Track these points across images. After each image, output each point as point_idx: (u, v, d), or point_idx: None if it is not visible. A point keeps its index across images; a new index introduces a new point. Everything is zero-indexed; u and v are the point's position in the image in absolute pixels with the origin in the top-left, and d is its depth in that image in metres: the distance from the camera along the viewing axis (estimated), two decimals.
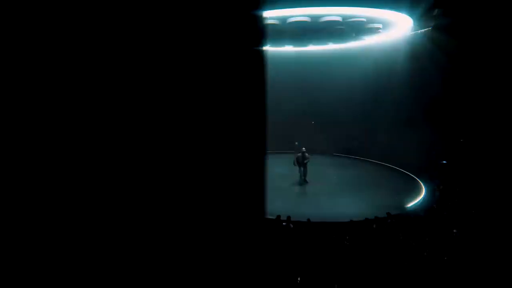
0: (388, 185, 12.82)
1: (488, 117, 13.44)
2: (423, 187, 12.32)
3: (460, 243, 6.88)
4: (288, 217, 8.05)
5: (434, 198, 11.02)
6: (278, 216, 8.00)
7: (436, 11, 11.09)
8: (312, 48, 16.30)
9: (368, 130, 17.99)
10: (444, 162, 14.61)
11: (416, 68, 13.53)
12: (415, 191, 11.88)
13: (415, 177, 13.74)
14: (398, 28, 11.77)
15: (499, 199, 9.45)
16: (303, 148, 13.38)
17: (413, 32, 12.20)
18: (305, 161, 13.16)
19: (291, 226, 8.00)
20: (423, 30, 11.87)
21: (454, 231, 7.22)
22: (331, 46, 15.68)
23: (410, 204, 10.17)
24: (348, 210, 9.55)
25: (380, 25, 10.86)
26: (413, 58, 13.26)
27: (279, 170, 14.69)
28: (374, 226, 7.87)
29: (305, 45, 15.77)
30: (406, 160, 15.28)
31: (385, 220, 8.12)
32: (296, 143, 18.28)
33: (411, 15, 10.40)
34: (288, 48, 16.36)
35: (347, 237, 7.42)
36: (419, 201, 10.82)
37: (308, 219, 8.03)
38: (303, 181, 13.13)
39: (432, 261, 6.26)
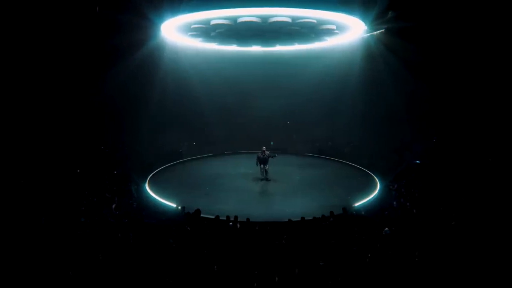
0: (346, 185, 12.96)
1: (448, 117, 13.78)
2: (378, 186, 12.49)
3: (389, 241, 7.02)
4: (235, 217, 8.09)
5: (390, 197, 11.17)
6: (217, 216, 8.06)
7: (389, 14, 11.28)
8: (280, 48, 16.35)
9: (338, 131, 18.21)
10: (418, 162, 14.83)
11: (372, 69, 13.73)
12: (369, 190, 12.03)
13: (375, 176, 13.91)
14: (354, 30, 11.89)
15: (452, 199, 9.65)
16: (263, 147, 13.44)
17: (367, 34, 12.37)
18: (265, 160, 13.24)
19: (238, 226, 8.03)
20: (376, 32, 12.05)
21: (385, 229, 7.35)
22: (298, 47, 15.75)
23: (357, 204, 10.31)
24: (298, 209, 9.65)
25: (334, 27, 10.97)
26: (369, 59, 13.45)
27: (243, 170, 14.70)
28: (312, 225, 7.98)
29: (271, 45, 15.80)
30: (371, 159, 15.51)
31: (324, 219, 8.22)
32: (272, 143, 18.41)
33: (363, 19, 10.53)
34: (256, 48, 16.35)
35: (284, 236, 7.50)
36: (368, 200, 10.97)
37: (247, 219, 8.08)
38: (264, 180, 13.25)
39: (359, 258, 6.38)
